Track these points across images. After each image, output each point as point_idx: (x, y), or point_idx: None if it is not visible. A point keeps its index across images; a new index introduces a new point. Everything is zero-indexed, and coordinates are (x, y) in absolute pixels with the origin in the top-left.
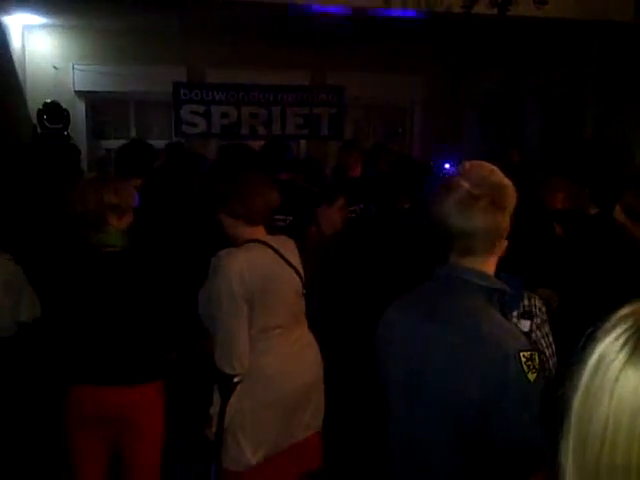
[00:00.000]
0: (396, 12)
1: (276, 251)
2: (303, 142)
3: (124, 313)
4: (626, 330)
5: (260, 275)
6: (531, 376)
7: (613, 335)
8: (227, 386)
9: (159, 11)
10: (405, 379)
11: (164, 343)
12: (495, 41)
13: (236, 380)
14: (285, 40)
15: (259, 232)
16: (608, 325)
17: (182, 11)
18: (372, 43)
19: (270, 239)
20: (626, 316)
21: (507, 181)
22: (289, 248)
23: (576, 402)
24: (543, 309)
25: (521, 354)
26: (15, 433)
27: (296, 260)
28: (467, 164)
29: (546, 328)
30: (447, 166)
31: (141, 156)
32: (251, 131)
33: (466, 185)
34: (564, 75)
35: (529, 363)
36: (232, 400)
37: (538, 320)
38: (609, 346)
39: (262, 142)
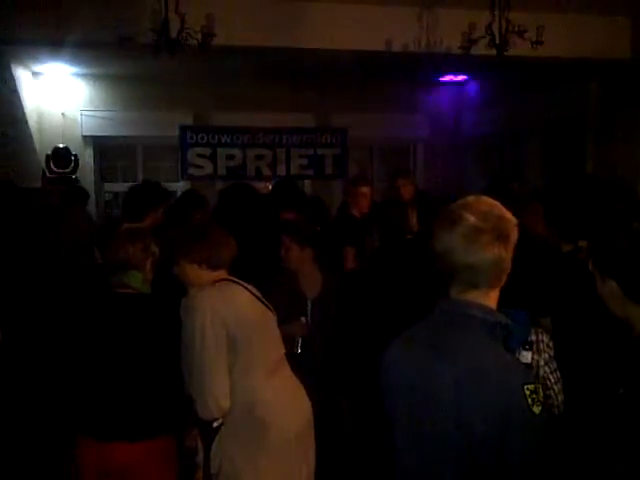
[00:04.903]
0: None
1: (247, 289)
2: (308, 182)
3: (133, 360)
4: None
5: (237, 312)
6: (536, 409)
7: None
8: (207, 431)
9: (162, 57)
10: (409, 412)
11: (171, 397)
12: (494, 80)
13: (215, 425)
14: (289, 83)
15: (223, 275)
16: None
17: (186, 57)
18: (374, 84)
19: (237, 279)
20: None
21: (509, 214)
22: (254, 288)
23: None
24: (550, 344)
25: (525, 387)
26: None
27: (261, 296)
28: (471, 198)
29: (554, 363)
30: None
31: (155, 196)
32: (256, 172)
33: (471, 218)
34: (564, 113)
35: (533, 396)
36: (218, 447)
37: (546, 355)
38: None
39: (267, 183)
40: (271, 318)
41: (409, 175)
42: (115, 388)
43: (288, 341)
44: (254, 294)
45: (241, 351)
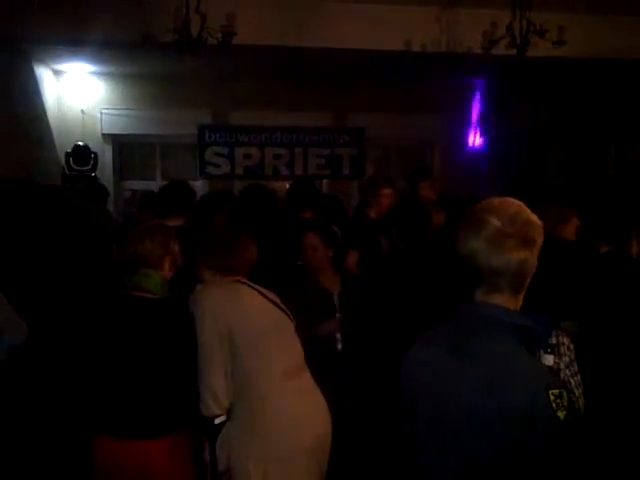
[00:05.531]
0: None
1: (258, 291)
2: (325, 182)
3: (146, 362)
4: None
5: (239, 311)
6: (560, 414)
7: None
8: (208, 428)
9: (183, 56)
10: (431, 414)
11: (185, 396)
12: (515, 80)
13: (217, 421)
14: (307, 82)
15: (239, 279)
16: None
17: (207, 56)
18: (392, 83)
19: (250, 282)
20: None
21: (535, 217)
22: (271, 293)
23: None
24: (571, 347)
25: (550, 392)
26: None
27: (279, 301)
28: (495, 200)
29: (575, 367)
30: None
31: (183, 196)
32: (274, 172)
33: (496, 222)
34: (584, 113)
35: (558, 401)
36: (227, 445)
37: (567, 359)
38: None
39: (285, 182)
40: (287, 324)
41: (430, 175)
42: (129, 387)
43: (325, 342)
44: (269, 299)
45: (246, 353)
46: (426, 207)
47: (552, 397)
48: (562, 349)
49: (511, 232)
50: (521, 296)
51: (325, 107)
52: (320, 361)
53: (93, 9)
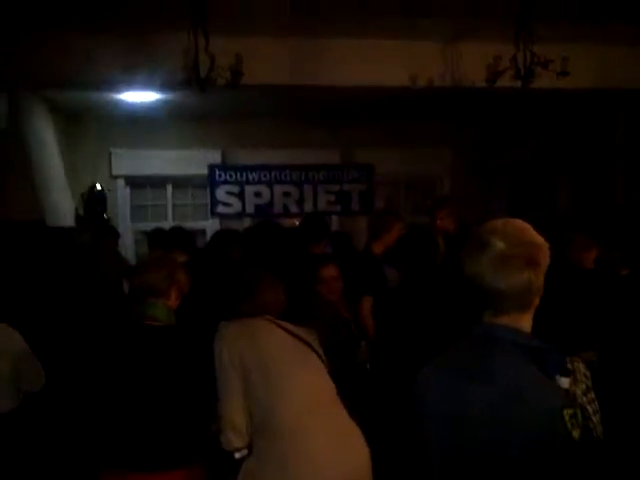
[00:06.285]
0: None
1: (281, 326)
2: (334, 218)
3: (158, 389)
4: None
5: (256, 345)
6: (575, 434)
7: None
8: (229, 462)
9: (194, 96)
10: (445, 436)
11: (198, 427)
12: (522, 113)
13: (238, 456)
14: (314, 120)
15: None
16: None
17: (215, 96)
18: (399, 119)
19: (276, 319)
20: None
21: (540, 239)
22: (304, 330)
23: None
24: (588, 374)
25: (564, 411)
26: None
27: (311, 339)
28: (500, 222)
29: (592, 394)
30: None
31: (185, 236)
32: (284, 209)
33: (500, 244)
34: (592, 143)
35: (572, 420)
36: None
37: (584, 386)
38: None
39: (294, 219)
40: (310, 357)
41: (446, 205)
42: (145, 420)
43: (358, 369)
44: (291, 332)
45: (262, 388)
46: (433, 235)
47: (567, 417)
48: (578, 376)
49: (514, 253)
50: (529, 316)
51: (333, 144)
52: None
53: (102, 50)
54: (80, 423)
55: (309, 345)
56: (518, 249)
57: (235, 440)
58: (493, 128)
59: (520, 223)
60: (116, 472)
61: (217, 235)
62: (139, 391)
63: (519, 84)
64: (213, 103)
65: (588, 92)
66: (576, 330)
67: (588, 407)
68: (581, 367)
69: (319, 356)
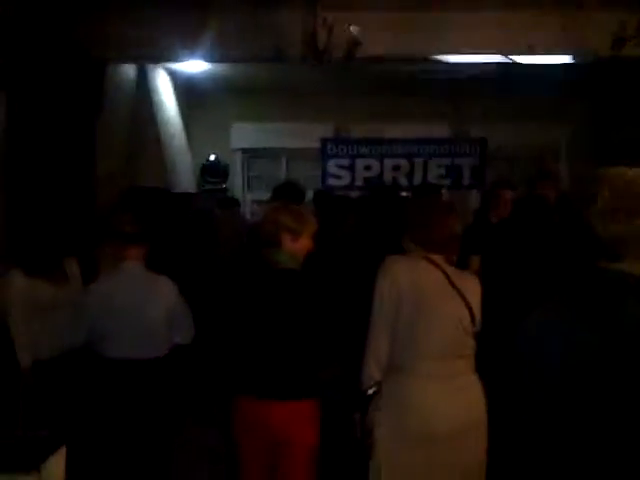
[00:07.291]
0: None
1: (443, 271)
2: (444, 192)
3: (288, 329)
4: None
5: (413, 284)
6: None
7: None
8: (360, 398)
9: (310, 72)
10: (563, 385)
11: (320, 363)
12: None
13: (370, 392)
14: (426, 94)
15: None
16: None
17: (331, 70)
18: (511, 93)
19: (442, 262)
20: None
21: None
22: (467, 281)
23: None
24: None
25: None
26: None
27: (470, 293)
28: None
29: None
30: None
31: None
32: (393, 182)
33: (607, 194)
34: None
35: None
36: (375, 421)
37: None
38: None
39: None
40: (458, 308)
41: (549, 177)
42: (275, 354)
43: None
44: (449, 277)
45: (405, 325)
46: (547, 203)
47: None
48: None
49: (621, 206)
50: None
51: (443, 118)
52: None
53: (224, 26)
54: (220, 356)
55: (460, 294)
56: (624, 201)
57: (376, 370)
58: (611, 102)
59: (629, 172)
60: (248, 399)
61: (334, 200)
62: (273, 328)
63: None
64: (327, 79)
65: None
66: None
67: None
68: None
69: (467, 306)
